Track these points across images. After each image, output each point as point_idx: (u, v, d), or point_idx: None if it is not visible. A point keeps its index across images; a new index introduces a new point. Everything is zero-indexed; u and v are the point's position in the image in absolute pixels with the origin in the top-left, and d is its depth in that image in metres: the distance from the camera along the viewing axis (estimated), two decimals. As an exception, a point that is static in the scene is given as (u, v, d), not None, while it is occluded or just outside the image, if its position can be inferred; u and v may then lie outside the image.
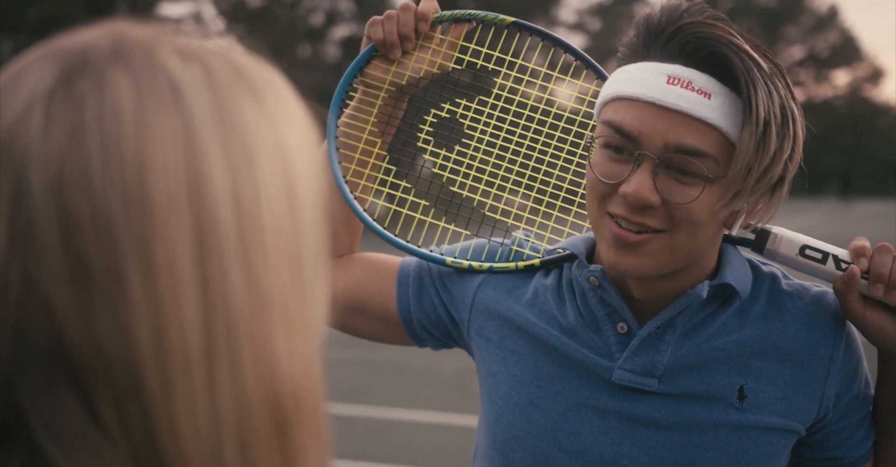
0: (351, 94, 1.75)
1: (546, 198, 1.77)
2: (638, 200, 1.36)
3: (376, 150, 1.75)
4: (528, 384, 1.57)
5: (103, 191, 0.59)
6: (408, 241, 1.72)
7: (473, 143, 1.77)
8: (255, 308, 0.63)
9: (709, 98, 1.34)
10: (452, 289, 1.70)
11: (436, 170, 1.79)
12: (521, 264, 1.66)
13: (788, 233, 1.55)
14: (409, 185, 1.81)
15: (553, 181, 1.78)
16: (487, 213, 1.78)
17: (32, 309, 0.59)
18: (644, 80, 1.37)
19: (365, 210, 1.73)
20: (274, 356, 0.64)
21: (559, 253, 1.64)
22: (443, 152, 1.78)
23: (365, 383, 8.23)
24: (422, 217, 1.78)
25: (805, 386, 1.51)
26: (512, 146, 1.77)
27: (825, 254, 1.52)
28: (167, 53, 0.65)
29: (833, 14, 61.88)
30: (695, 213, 1.37)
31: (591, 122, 1.69)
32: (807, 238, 1.55)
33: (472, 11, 1.72)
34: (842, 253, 1.52)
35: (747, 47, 1.34)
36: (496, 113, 1.76)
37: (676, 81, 1.35)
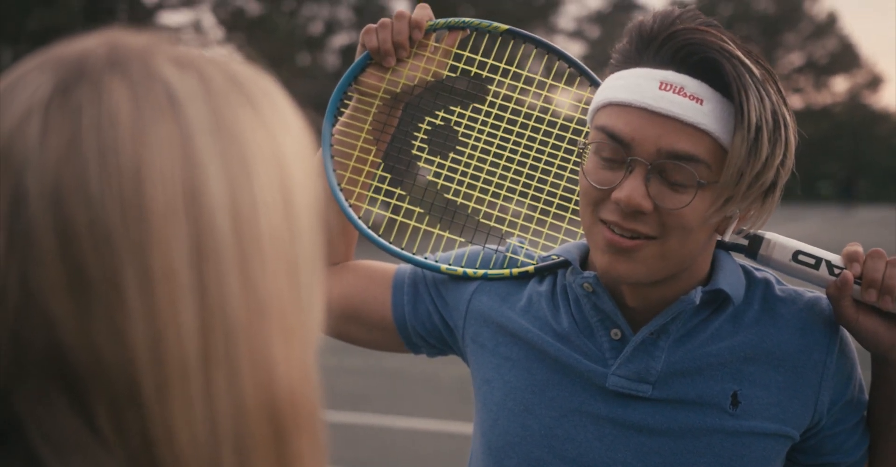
0: (346, 102, 1.75)
1: (540, 205, 1.78)
2: (630, 206, 1.36)
3: (371, 158, 1.75)
4: (522, 390, 1.57)
5: (100, 199, 0.59)
6: (402, 249, 1.73)
7: (468, 151, 1.78)
8: (253, 315, 0.64)
9: (701, 103, 1.35)
10: (447, 296, 1.70)
11: (430, 178, 1.80)
12: (515, 271, 1.66)
13: (781, 239, 1.55)
14: (403, 193, 1.82)
15: (547, 188, 1.78)
16: (482, 220, 1.79)
17: (30, 316, 0.60)
18: (636, 85, 1.38)
19: (360, 218, 1.74)
20: (271, 362, 0.65)
21: (553, 259, 1.64)
22: (437, 160, 1.78)
23: (365, 391, 8.22)
24: (416, 224, 1.79)
25: (799, 392, 1.51)
26: (506, 153, 1.78)
27: (818, 260, 1.53)
28: (164, 62, 0.65)
29: (832, 21, 61.90)
30: (686, 219, 1.37)
31: (585, 129, 1.69)
32: (800, 243, 1.55)
33: (466, 19, 1.73)
34: (835, 258, 1.53)
35: (739, 53, 1.34)
36: (490, 120, 1.77)
37: (669, 87, 1.35)
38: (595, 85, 1.73)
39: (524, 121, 1.77)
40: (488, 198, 1.79)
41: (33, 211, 0.59)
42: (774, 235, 1.56)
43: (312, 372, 0.69)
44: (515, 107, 1.77)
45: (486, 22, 1.74)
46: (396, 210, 1.80)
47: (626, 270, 1.42)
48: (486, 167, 1.78)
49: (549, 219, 1.78)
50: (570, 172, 1.77)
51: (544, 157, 1.77)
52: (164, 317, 0.60)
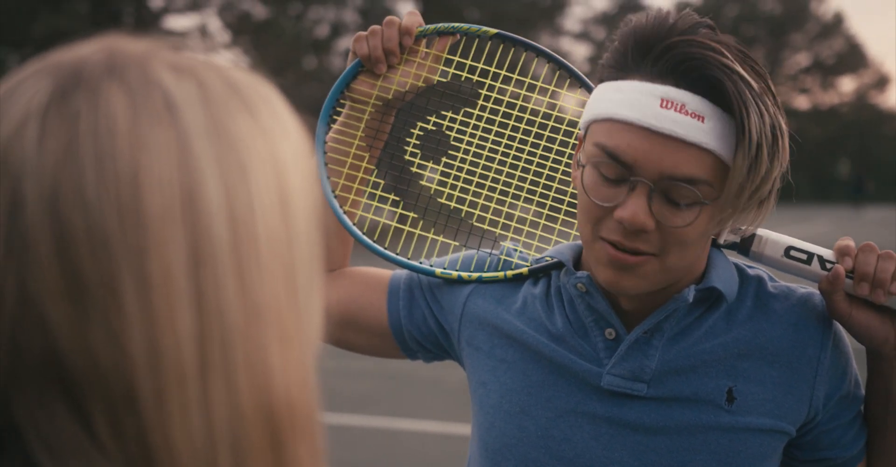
0: (338, 109, 1.76)
1: (533, 207, 1.79)
2: (634, 225, 1.36)
3: (364, 165, 1.76)
4: (518, 392, 1.57)
5: (97, 204, 0.59)
6: (397, 254, 1.73)
7: (460, 155, 1.78)
8: (250, 319, 0.64)
9: (702, 121, 1.34)
10: (442, 301, 1.70)
11: (423, 183, 1.80)
12: (509, 273, 1.66)
13: (773, 235, 1.56)
14: (397, 199, 1.82)
15: (539, 190, 1.79)
16: (475, 224, 1.79)
17: (27, 321, 0.60)
18: (636, 102, 1.36)
19: (354, 224, 1.74)
20: (268, 367, 0.65)
21: (547, 261, 1.65)
22: (430, 165, 1.79)
23: (370, 393, 8.22)
24: (411, 229, 1.79)
25: (794, 387, 1.51)
26: (498, 156, 1.78)
27: (810, 255, 1.53)
28: (161, 68, 0.65)
29: (838, 21, 61.67)
30: (688, 236, 1.38)
31: (576, 131, 1.70)
32: (791, 239, 1.55)
33: (456, 24, 1.73)
34: (826, 253, 1.53)
35: (738, 68, 1.33)
36: (482, 124, 1.77)
37: (670, 105, 1.34)
38: (585, 87, 1.73)
39: (515, 123, 1.78)
40: (481, 201, 1.79)
41: (30, 216, 0.59)
42: (766, 232, 1.56)
43: (311, 376, 0.69)
44: (506, 110, 1.78)
45: (475, 26, 1.74)
46: (390, 216, 1.80)
47: (631, 285, 1.43)
48: (479, 171, 1.78)
49: (542, 221, 1.78)
50: (561, 174, 1.77)
51: (536, 159, 1.78)
52: (161, 322, 0.60)
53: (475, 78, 1.77)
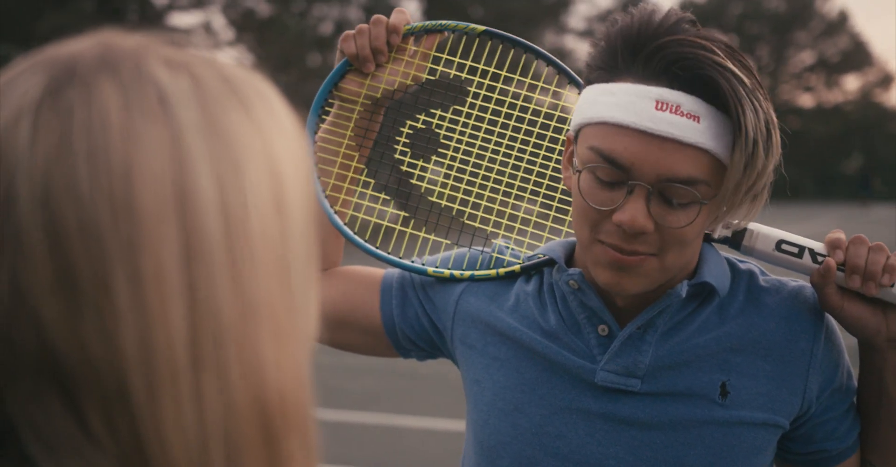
0: (327, 109, 1.76)
1: (524, 204, 1.78)
2: (634, 228, 1.36)
3: (354, 164, 1.75)
4: (512, 389, 1.57)
5: (90, 200, 0.59)
6: (389, 253, 1.73)
7: (450, 153, 1.78)
8: (243, 315, 0.64)
9: (698, 121, 1.33)
10: (435, 299, 1.70)
11: (414, 181, 1.80)
12: (501, 271, 1.66)
13: (764, 229, 1.55)
14: (388, 197, 1.82)
15: (530, 187, 1.78)
16: (467, 222, 1.79)
17: (20, 316, 0.60)
18: (631, 104, 1.35)
19: (345, 224, 1.74)
20: (261, 364, 0.65)
21: (539, 258, 1.64)
22: (420, 163, 1.79)
23: (376, 390, 8.23)
24: (402, 228, 1.79)
25: (787, 380, 1.51)
26: (488, 154, 1.78)
27: (801, 248, 1.53)
28: (155, 63, 0.65)
29: (843, 19, 61.54)
30: (686, 235, 1.38)
31: (566, 127, 1.69)
32: (783, 233, 1.55)
33: (444, 22, 1.73)
34: (818, 246, 1.53)
35: (730, 65, 1.32)
36: (471, 121, 1.77)
37: (665, 107, 1.33)
38: (575, 84, 1.73)
39: (504, 120, 1.78)
40: (472, 199, 1.79)
41: (23, 211, 0.59)
42: (757, 226, 1.56)
43: (304, 372, 0.69)
44: (495, 107, 1.77)
45: (462, 23, 1.74)
46: (382, 214, 1.80)
47: (631, 285, 1.43)
48: (469, 168, 1.78)
49: (534, 218, 1.78)
50: (552, 171, 1.77)
51: (526, 156, 1.77)
52: (154, 317, 0.60)
53: (464, 75, 1.77)
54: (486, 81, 1.77)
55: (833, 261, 1.48)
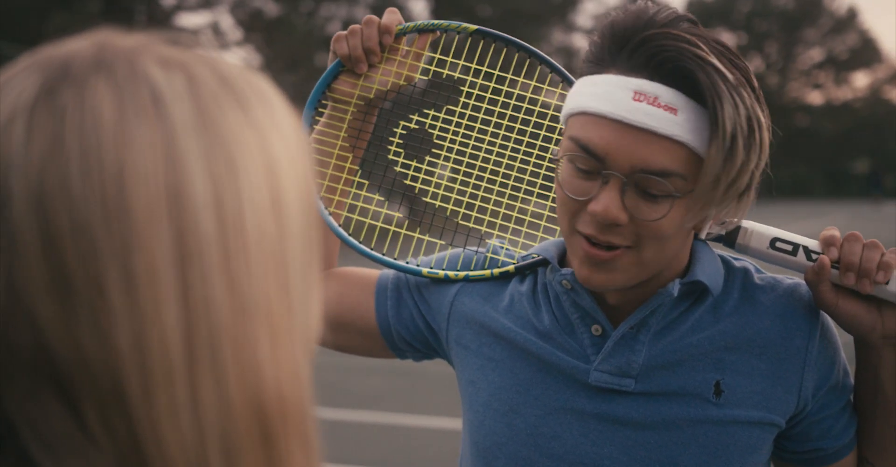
0: (321, 110, 1.75)
1: (518, 204, 1.77)
2: (607, 219, 1.35)
3: (348, 165, 1.75)
4: (507, 390, 1.57)
5: (83, 200, 0.59)
6: (384, 254, 1.73)
7: (443, 153, 1.78)
8: (238, 315, 0.63)
9: (675, 114, 1.32)
10: (430, 300, 1.70)
11: (408, 182, 1.80)
12: (496, 271, 1.66)
13: (759, 227, 1.55)
14: (382, 198, 1.82)
15: (524, 187, 1.78)
16: (461, 222, 1.78)
17: (16, 317, 0.60)
18: (610, 95, 1.35)
19: (340, 225, 1.74)
20: (258, 363, 0.64)
21: (533, 258, 1.64)
22: (414, 163, 1.78)
23: (382, 390, 8.25)
24: (396, 229, 1.79)
25: (782, 379, 1.50)
26: (482, 154, 1.77)
27: (796, 246, 1.52)
28: (150, 62, 0.65)
29: (852, 16, 61.44)
30: (662, 229, 1.37)
31: (559, 126, 1.69)
32: (777, 230, 1.55)
33: (436, 21, 1.73)
34: (812, 243, 1.52)
35: (713, 59, 1.31)
36: (464, 121, 1.77)
37: (643, 97, 1.33)
38: (567, 82, 1.73)
39: (497, 120, 1.77)
40: (466, 199, 1.78)
41: (17, 212, 0.59)
42: (751, 223, 1.55)
43: (303, 372, 0.69)
44: (488, 106, 1.77)
45: (455, 23, 1.74)
46: (376, 216, 1.80)
47: (604, 280, 1.42)
48: (463, 168, 1.78)
49: (528, 218, 1.77)
50: (545, 170, 1.76)
51: (520, 156, 1.77)
52: (148, 318, 0.60)
53: (456, 75, 1.77)
54: (479, 81, 1.77)
55: (827, 259, 1.47)
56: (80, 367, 0.60)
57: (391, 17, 1.69)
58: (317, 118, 1.75)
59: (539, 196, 1.77)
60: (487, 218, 1.77)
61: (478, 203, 1.78)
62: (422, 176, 1.78)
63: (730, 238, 1.56)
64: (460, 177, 1.78)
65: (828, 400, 1.55)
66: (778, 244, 1.53)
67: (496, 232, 1.77)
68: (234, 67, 0.70)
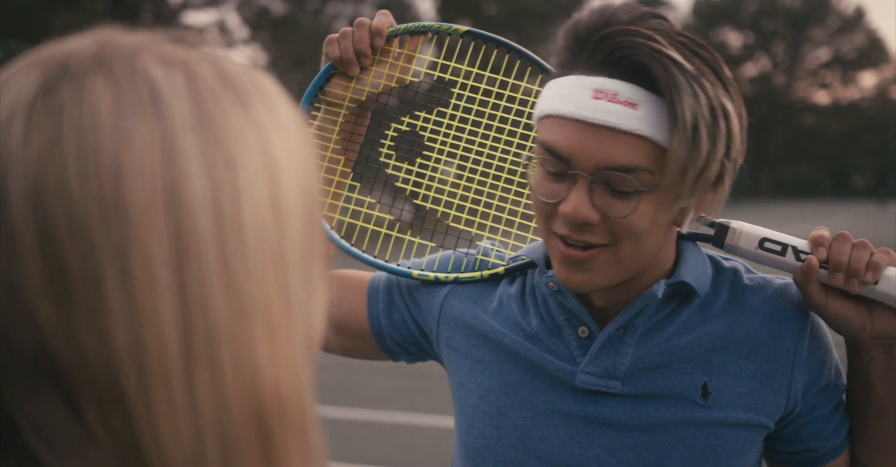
0: (313, 113, 1.76)
1: (508, 206, 1.77)
2: (577, 219, 1.35)
3: (340, 168, 1.75)
4: (496, 392, 1.57)
5: (80, 199, 0.59)
6: (375, 257, 1.73)
7: (434, 155, 1.78)
8: (236, 315, 0.63)
9: (635, 109, 1.32)
10: (421, 302, 1.70)
11: (399, 184, 1.80)
12: (486, 273, 1.66)
13: (748, 227, 1.54)
14: (374, 201, 1.82)
15: (514, 188, 1.78)
16: (451, 224, 1.79)
17: (15, 315, 0.60)
18: (570, 96, 1.35)
19: (332, 228, 1.74)
20: (256, 363, 0.64)
21: (522, 260, 1.64)
22: (405, 166, 1.79)
23: (388, 389, 8.26)
24: (388, 231, 1.79)
25: (771, 380, 1.50)
26: (472, 155, 1.77)
27: (784, 246, 1.52)
28: (150, 60, 0.65)
29: (859, 15, 61.35)
30: (635, 225, 1.36)
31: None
32: (766, 230, 1.54)
33: (427, 23, 1.73)
34: (801, 243, 1.51)
35: (670, 52, 1.31)
36: (455, 123, 1.77)
37: (602, 95, 1.33)
38: None
39: (489, 122, 1.77)
40: (457, 201, 1.78)
41: (15, 211, 0.59)
42: (740, 223, 1.55)
43: (303, 372, 0.68)
44: (479, 108, 1.77)
45: (445, 25, 1.74)
46: (368, 218, 1.80)
47: (584, 281, 1.41)
48: (454, 170, 1.78)
49: (518, 219, 1.77)
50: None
51: (510, 157, 1.77)
52: (145, 316, 0.60)
53: (447, 76, 1.77)
54: (470, 82, 1.77)
55: (815, 259, 1.47)
56: (79, 366, 0.60)
57: (382, 19, 1.69)
58: (309, 121, 1.75)
59: (529, 197, 1.77)
60: (478, 220, 1.77)
61: (468, 204, 1.78)
62: (413, 178, 1.78)
63: (718, 238, 1.55)
64: (451, 179, 1.78)
65: (818, 401, 1.54)
66: (766, 244, 1.53)
67: (486, 233, 1.77)
68: (236, 66, 0.69)
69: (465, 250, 1.74)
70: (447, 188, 1.78)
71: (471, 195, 1.78)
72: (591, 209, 1.35)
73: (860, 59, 61.51)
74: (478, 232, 1.78)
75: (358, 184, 1.81)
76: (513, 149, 1.76)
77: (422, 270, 1.71)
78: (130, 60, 0.64)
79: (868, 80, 73.20)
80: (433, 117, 1.77)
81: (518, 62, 1.75)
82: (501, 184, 1.77)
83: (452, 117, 1.77)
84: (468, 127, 1.77)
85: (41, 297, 0.59)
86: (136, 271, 0.60)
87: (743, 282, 1.56)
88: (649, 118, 1.32)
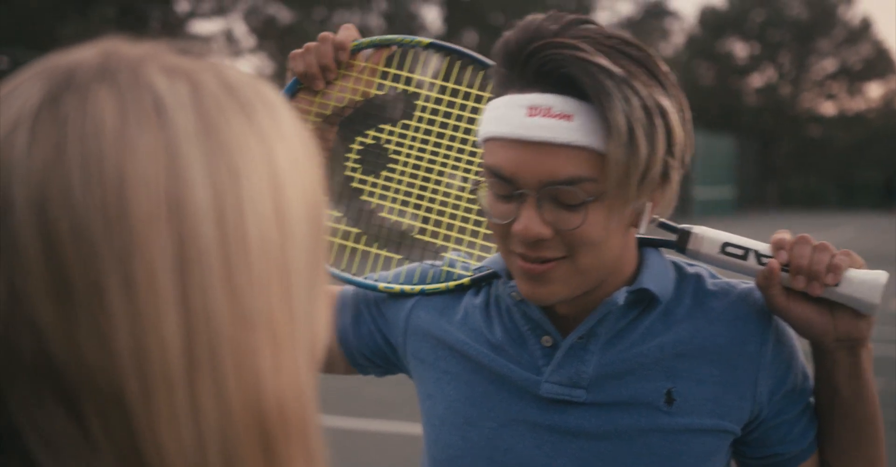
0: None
1: (472, 217, 1.77)
2: (529, 237, 1.36)
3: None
4: (462, 403, 1.57)
5: (84, 208, 0.60)
6: (342, 270, 1.73)
7: (399, 167, 1.77)
8: (239, 323, 0.63)
9: (570, 120, 1.32)
10: (387, 315, 1.70)
11: (365, 198, 1.80)
12: (451, 284, 1.66)
13: (710, 232, 1.54)
14: (339, 214, 1.83)
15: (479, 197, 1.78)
16: (417, 236, 1.79)
17: (18, 322, 0.60)
18: (506, 116, 1.36)
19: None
20: (258, 372, 0.64)
21: (487, 270, 1.64)
22: (371, 179, 1.79)
23: (393, 398, 8.23)
24: (354, 245, 1.80)
25: (735, 385, 1.50)
26: (437, 167, 1.77)
27: (746, 250, 1.52)
28: (155, 71, 0.65)
29: (866, 26, 61.10)
30: (588, 235, 1.36)
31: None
32: (728, 235, 1.54)
33: (391, 36, 1.73)
34: (762, 247, 1.51)
35: (596, 58, 1.31)
36: (419, 135, 1.77)
37: (537, 111, 1.33)
38: None
39: (452, 133, 1.77)
40: (422, 213, 1.78)
41: (19, 219, 0.60)
42: (702, 229, 1.55)
43: (306, 381, 0.69)
44: (442, 119, 1.77)
45: (408, 37, 1.74)
46: (334, 232, 1.81)
47: (546, 293, 1.41)
48: (419, 182, 1.78)
49: (482, 229, 1.76)
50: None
51: (474, 168, 1.76)
52: (147, 324, 0.60)
53: (411, 89, 1.77)
54: (434, 94, 1.77)
55: (776, 263, 1.47)
56: (81, 372, 0.60)
57: (346, 33, 1.70)
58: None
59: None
60: (443, 230, 1.77)
61: (433, 216, 1.78)
62: (378, 191, 1.79)
63: (681, 244, 1.55)
64: (416, 191, 1.78)
65: (784, 405, 1.54)
66: (728, 249, 1.53)
67: (452, 245, 1.78)
68: (241, 75, 0.70)
69: (430, 262, 1.74)
70: (412, 200, 1.78)
71: (436, 207, 1.78)
72: (542, 225, 1.35)
73: (867, 70, 61.25)
74: (443, 243, 1.78)
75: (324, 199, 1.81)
76: (477, 160, 1.76)
77: (388, 283, 1.71)
78: (135, 71, 0.65)
79: (875, 91, 73.14)
80: (398, 130, 1.77)
81: (482, 73, 1.75)
82: (466, 194, 1.77)
83: (417, 129, 1.77)
84: (432, 139, 1.77)
85: (44, 304, 0.60)
86: (139, 279, 0.60)
87: (706, 288, 1.55)
88: (585, 128, 1.32)
